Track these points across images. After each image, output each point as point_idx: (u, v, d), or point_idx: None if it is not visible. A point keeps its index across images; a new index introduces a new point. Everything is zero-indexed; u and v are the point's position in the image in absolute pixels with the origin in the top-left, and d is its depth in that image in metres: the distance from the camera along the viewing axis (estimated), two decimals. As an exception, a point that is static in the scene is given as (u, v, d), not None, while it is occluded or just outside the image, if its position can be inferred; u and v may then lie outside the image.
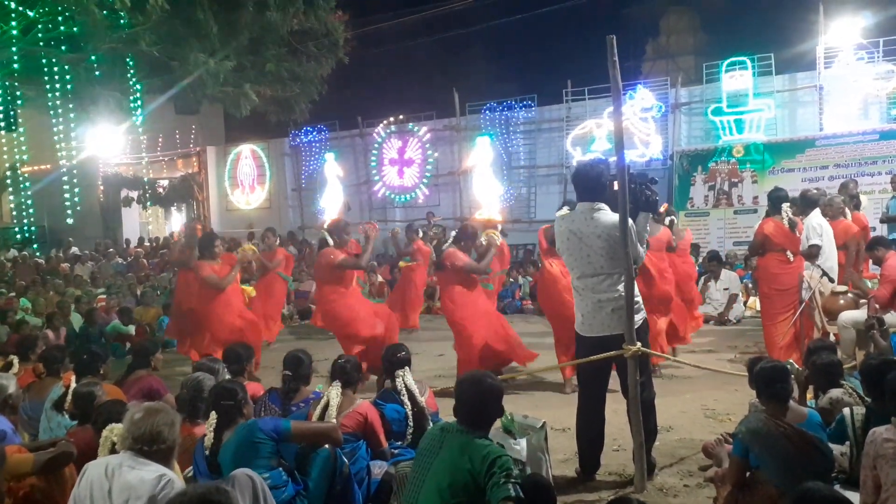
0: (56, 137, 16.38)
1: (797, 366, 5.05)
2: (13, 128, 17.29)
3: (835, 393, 4.43)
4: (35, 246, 19.32)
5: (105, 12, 14.40)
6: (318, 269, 7.96)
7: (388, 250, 17.85)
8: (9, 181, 19.55)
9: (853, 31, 13.95)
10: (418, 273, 11.36)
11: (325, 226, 8.23)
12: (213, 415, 3.94)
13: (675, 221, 8.58)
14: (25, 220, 18.82)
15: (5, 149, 19.38)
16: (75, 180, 16.98)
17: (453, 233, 7.93)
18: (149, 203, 22.14)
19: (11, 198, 19.92)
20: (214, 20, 14.85)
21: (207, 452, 3.86)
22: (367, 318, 7.54)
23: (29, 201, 18.33)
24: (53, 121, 16.05)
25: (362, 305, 7.77)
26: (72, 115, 16.51)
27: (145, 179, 21.78)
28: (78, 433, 4.27)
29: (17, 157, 18.37)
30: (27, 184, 18.40)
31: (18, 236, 19.49)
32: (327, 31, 17.30)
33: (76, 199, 16.64)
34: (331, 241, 7.60)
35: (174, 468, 3.34)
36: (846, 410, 4.09)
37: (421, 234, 11.99)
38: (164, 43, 15.35)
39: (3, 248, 17.41)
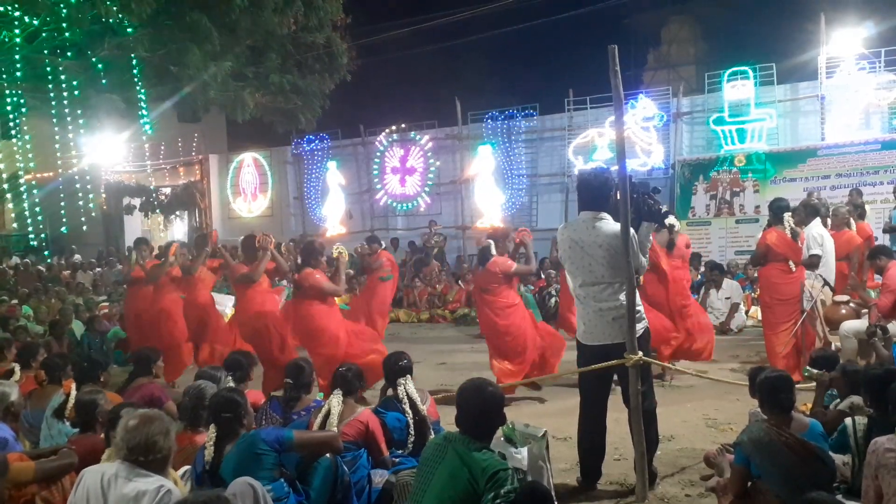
0: (60, 145, 16.37)
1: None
2: (17, 136, 17.31)
3: (856, 399, 4.48)
4: (22, 250, 19.33)
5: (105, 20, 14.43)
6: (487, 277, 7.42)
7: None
8: (13, 188, 19.55)
9: (855, 42, 13.96)
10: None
11: (489, 234, 7.77)
12: (213, 428, 3.91)
13: (676, 227, 8.47)
14: (30, 228, 18.83)
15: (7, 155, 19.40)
16: (87, 187, 16.97)
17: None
18: (150, 211, 22.16)
19: (12, 206, 19.94)
20: (210, 21, 14.78)
21: (208, 467, 3.82)
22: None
23: (36, 209, 18.33)
24: (57, 129, 16.03)
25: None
26: (81, 122, 16.50)
27: (148, 187, 21.81)
28: (79, 441, 4.26)
29: (23, 164, 18.36)
30: (33, 192, 18.40)
31: (31, 243, 19.50)
32: (329, 45, 17.26)
33: (65, 205, 16.55)
34: (494, 251, 7.29)
35: (171, 476, 3.33)
36: (848, 420, 4.11)
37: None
38: (162, 49, 15.33)
39: (6, 256, 17.40)
